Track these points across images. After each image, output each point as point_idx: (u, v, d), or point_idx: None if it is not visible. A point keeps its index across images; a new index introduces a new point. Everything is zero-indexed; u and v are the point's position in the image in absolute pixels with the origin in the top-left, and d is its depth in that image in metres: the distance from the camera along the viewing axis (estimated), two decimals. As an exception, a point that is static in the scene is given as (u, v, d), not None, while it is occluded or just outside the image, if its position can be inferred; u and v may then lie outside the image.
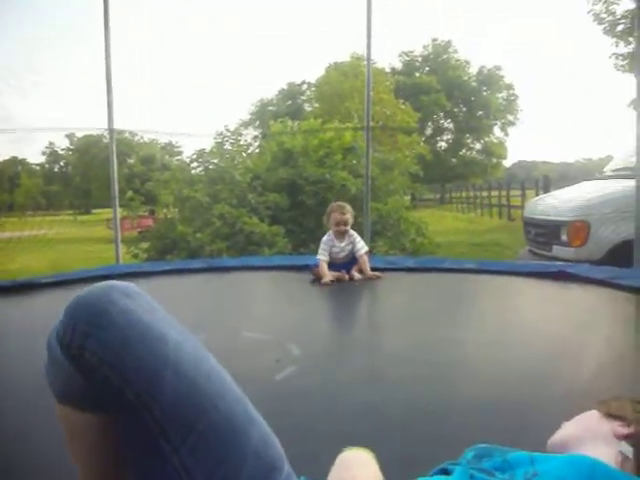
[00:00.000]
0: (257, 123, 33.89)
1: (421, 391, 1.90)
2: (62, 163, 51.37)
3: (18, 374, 2.11)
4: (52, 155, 50.82)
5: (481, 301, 3.68)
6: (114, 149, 5.94)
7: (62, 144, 48.78)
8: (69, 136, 45.78)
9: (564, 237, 5.87)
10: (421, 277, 4.38)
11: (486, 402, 1.75)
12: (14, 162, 50.14)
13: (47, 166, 51.99)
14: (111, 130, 5.93)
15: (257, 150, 10.94)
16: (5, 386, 1.98)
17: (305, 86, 37.72)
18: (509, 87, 39.21)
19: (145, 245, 8.58)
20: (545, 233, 6.33)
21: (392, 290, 4.09)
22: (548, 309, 3.25)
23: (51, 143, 49.56)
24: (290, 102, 36.67)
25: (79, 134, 44.11)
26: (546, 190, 12.78)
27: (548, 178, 15.51)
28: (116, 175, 5.98)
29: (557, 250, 5.94)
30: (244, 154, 10.13)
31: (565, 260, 5.24)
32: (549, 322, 2.88)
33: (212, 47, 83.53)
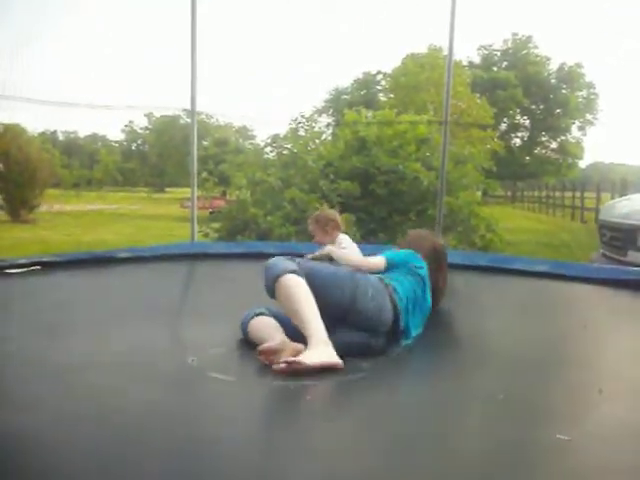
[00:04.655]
0: (331, 111, 33.92)
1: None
2: (139, 141, 52.69)
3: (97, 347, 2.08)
4: (131, 133, 52.19)
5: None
6: (195, 130, 6.11)
7: (141, 123, 50.06)
8: (147, 115, 46.93)
9: (641, 242, 5.71)
10: (499, 281, 4.02)
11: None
12: (94, 138, 51.90)
13: (125, 144, 53.45)
14: (193, 112, 6.11)
15: (330, 137, 10.97)
16: (81, 357, 1.94)
17: (380, 76, 37.50)
18: (590, 86, 37.91)
19: (216, 225, 8.80)
20: (621, 237, 6.17)
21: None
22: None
23: (130, 121, 50.88)
24: (365, 91, 36.54)
25: (157, 114, 45.22)
26: (623, 193, 12.38)
27: (626, 181, 15.05)
28: (196, 155, 6.16)
29: (633, 255, 5.78)
30: (317, 141, 10.21)
31: (641, 266, 5.10)
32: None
33: (291, 35, 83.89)
